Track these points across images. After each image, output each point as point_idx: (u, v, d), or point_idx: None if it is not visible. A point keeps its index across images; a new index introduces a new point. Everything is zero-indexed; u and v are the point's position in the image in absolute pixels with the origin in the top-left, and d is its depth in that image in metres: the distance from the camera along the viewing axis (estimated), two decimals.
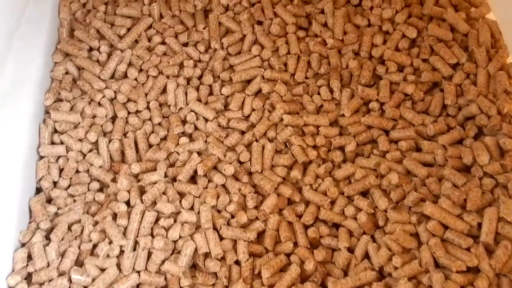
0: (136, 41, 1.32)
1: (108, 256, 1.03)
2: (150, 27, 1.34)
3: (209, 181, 1.13)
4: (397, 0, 1.29)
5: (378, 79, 1.23)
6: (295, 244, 1.06)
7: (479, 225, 0.99)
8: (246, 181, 1.12)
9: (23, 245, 1.06)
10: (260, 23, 1.33)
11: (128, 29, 1.32)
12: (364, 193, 1.10)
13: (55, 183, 1.15)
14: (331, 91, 1.22)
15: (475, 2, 1.28)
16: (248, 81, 1.27)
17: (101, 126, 1.21)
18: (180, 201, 1.10)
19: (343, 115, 1.19)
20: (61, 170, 1.16)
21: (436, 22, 1.26)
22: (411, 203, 1.03)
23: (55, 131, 1.20)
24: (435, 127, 1.12)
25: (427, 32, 1.24)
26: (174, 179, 1.14)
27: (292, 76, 1.25)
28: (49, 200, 1.14)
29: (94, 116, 1.22)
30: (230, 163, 1.13)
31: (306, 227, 1.08)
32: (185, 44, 1.32)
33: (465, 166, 1.07)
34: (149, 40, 1.32)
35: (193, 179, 1.14)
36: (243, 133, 1.19)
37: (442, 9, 1.26)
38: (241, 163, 1.15)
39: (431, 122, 1.14)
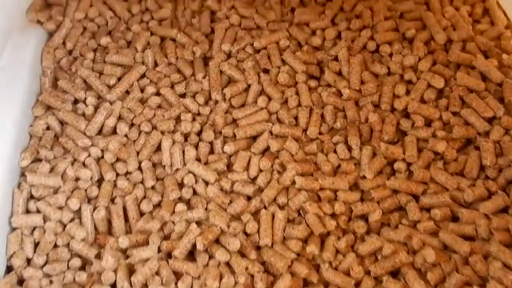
0: (127, 92, 1.21)
1: None
2: (143, 76, 1.23)
3: (211, 257, 0.99)
4: (419, 45, 1.19)
5: (402, 135, 1.12)
6: None
7: None
8: (254, 258, 0.99)
9: None
10: (266, 71, 1.23)
11: (119, 79, 1.22)
12: (395, 273, 0.96)
13: (28, 261, 1.01)
14: (349, 149, 1.11)
15: (507, 48, 1.19)
16: (254, 138, 1.15)
17: (85, 190, 1.09)
18: (176, 283, 0.96)
19: (364, 177, 1.07)
20: (36, 245, 1.02)
21: (464, 70, 1.17)
22: (453, 286, 0.89)
23: (31, 197, 1.07)
24: (473, 192, 1.00)
25: (456, 82, 1.14)
26: (169, 255, 1.00)
27: (304, 132, 1.14)
28: (21, 282, 0.99)
29: (77, 179, 1.09)
30: (235, 236, 1.00)
31: None
32: (183, 95, 1.21)
33: None
34: (142, 90, 1.21)
35: (191, 255, 1.01)
36: (249, 198, 1.07)
37: (471, 55, 1.16)
38: (247, 235, 1.02)
39: (468, 186, 1.02)
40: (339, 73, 1.20)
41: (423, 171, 1.04)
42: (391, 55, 1.21)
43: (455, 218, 1.00)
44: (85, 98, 1.18)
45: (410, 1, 1.27)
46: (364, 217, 1.03)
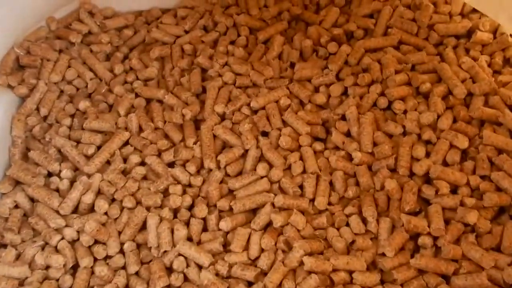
0: (108, 163, 1.13)
1: None
2: (126, 143, 1.17)
3: None
4: (436, 100, 1.12)
5: (425, 204, 1.03)
6: None
7: None
8: None
9: None
10: (265, 134, 1.16)
11: (98, 147, 1.15)
12: None
13: None
14: (364, 221, 1.02)
15: None
16: (254, 211, 1.07)
17: (57, 281, 0.99)
18: None
19: (383, 254, 0.97)
20: None
21: (490, 127, 1.10)
22: None
23: None
24: None
25: (482, 141, 1.06)
26: None
27: (311, 203, 1.05)
28: None
29: (47, 267, 1.00)
30: None
31: None
32: (171, 164, 1.13)
33: None
34: (125, 160, 1.14)
35: None
36: (250, 284, 0.98)
37: (496, 110, 1.09)
38: None
39: (508, 263, 0.92)
40: (348, 134, 1.14)
41: (453, 247, 0.95)
42: (405, 112, 1.14)
43: None
44: (60, 171, 1.11)
45: (421, 52, 1.22)
46: None
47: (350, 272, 0.96)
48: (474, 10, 1.27)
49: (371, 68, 1.19)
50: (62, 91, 1.24)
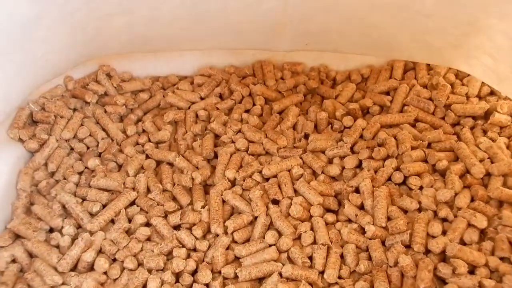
0: (113, 222, 1.11)
1: None
2: (132, 203, 1.15)
3: None
4: (454, 178, 1.11)
5: (442, 283, 0.99)
6: None
7: None
8: None
9: None
10: (276, 202, 1.14)
11: (104, 206, 1.13)
12: None
13: None
14: None
15: None
16: (260, 280, 1.03)
17: None
18: None
19: None
20: None
21: (509, 208, 1.07)
22: None
23: None
24: None
25: (501, 221, 1.04)
26: None
27: (321, 275, 1.02)
28: None
29: None
30: None
31: None
32: (177, 227, 1.11)
33: None
34: (130, 220, 1.12)
35: None
36: None
37: None
38: None
39: None
40: (361, 207, 1.12)
41: None
42: (421, 188, 1.12)
43: None
44: (62, 227, 1.08)
45: (439, 130, 1.22)
46: None
47: None
48: (491, 93, 1.28)
49: (387, 143, 1.19)
50: (72, 149, 1.24)
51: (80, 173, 1.20)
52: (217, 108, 1.31)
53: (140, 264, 1.04)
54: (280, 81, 1.37)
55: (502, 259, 0.99)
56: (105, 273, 1.02)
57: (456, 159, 1.17)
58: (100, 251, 1.05)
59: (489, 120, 1.23)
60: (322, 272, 1.02)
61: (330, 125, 1.28)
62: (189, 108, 1.32)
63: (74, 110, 1.29)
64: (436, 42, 1.24)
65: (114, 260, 1.04)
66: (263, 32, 1.31)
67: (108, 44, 1.31)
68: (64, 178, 1.18)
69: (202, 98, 1.34)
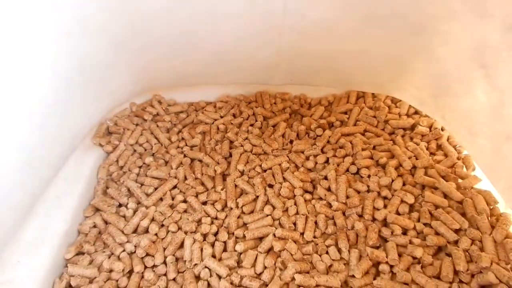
0: (161, 199, 1.04)
1: None
2: (174, 187, 1.07)
3: None
4: (391, 170, 1.04)
5: (384, 241, 0.92)
6: None
7: None
8: None
9: None
10: (271, 186, 1.06)
11: (155, 189, 1.05)
12: None
13: None
14: (340, 251, 0.90)
15: (461, 174, 1.02)
16: (260, 239, 0.95)
17: (116, 281, 0.87)
18: None
19: (353, 276, 0.85)
20: None
21: (429, 190, 0.99)
22: None
23: (70, 286, 0.85)
24: None
25: (424, 199, 0.96)
26: None
27: (302, 235, 0.94)
28: None
29: (111, 271, 0.88)
30: None
31: None
32: (204, 203, 1.03)
33: None
34: (173, 198, 1.04)
35: None
36: None
37: (433, 179, 1.00)
38: None
39: None
40: (329, 189, 1.03)
41: (405, 274, 0.82)
42: (369, 176, 1.04)
43: None
44: (127, 203, 1.01)
45: (380, 137, 1.14)
46: None
47: (329, 287, 0.85)
48: (416, 112, 1.20)
49: (345, 146, 1.11)
50: (135, 151, 1.16)
51: (140, 167, 1.12)
52: (232, 123, 1.24)
53: (179, 228, 0.97)
54: (273, 105, 1.29)
55: (425, 224, 0.92)
56: (155, 234, 0.95)
57: (392, 156, 1.09)
58: (152, 220, 0.98)
59: (414, 131, 1.15)
60: (302, 233, 0.94)
61: (307, 134, 1.19)
62: (213, 123, 1.25)
63: (136, 125, 1.21)
64: (378, 79, 1.16)
65: (162, 225, 0.97)
66: (262, 72, 1.24)
67: (159, 80, 1.24)
68: (129, 170, 1.11)
69: (221, 117, 1.27)
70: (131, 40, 0.97)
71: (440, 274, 0.82)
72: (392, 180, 1.01)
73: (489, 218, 0.88)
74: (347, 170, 1.08)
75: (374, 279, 0.84)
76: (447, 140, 1.12)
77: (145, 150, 1.18)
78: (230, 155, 1.15)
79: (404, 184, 1.01)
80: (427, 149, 1.11)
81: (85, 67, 0.93)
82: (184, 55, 1.10)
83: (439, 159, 1.07)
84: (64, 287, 0.83)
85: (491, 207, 0.91)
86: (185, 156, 1.15)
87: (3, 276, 0.77)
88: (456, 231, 0.88)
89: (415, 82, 1.04)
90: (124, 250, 0.91)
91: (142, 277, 0.88)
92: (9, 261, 0.80)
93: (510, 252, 0.78)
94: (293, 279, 0.84)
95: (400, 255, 0.87)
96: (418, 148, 1.08)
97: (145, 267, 0.90)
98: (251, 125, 1.24)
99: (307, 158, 1.12)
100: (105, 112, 1.19)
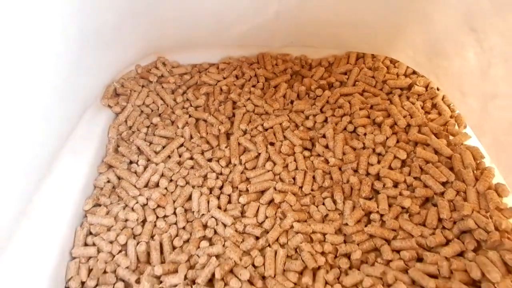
0: (169, 157, 1.12)
1: None
2: (181, 145, 1.15)
3: (226, 285, 0.85)
4: (386, 128, 1.11)
5: (376, 193, 1.01)
6: None
7: None
8: (260, 286, 0.85)
9: None
10: (272, 144, 1.14)
11: (163, 147, 1.13)
12: None
13: (82, 283, 0.88)
14: (335, 202, 0.99)
15: (452, 131, 1.10)
16: (262, 192, 1.04)
17: (132, 229, 0.97)
18: None
19: (346, 224, 0.95)
20: (90, 271, 0.90)
21: (421, 146, 1.07)
22: None
23: (90, 233, 0.95)
24: (435, 239, 0.87)
25: (415, 155, 1.04)
26: (193, 282, 0.87)
27: (300, 188, 1.03)
28: None
29: (126, 220, 0.98)
30: (246, 268, 0.87)
31: None
32: (210, 160, 1.11)
33: (472, 280, 0.80)
34: (180, 156, 1.12)
35: (210, 282, 0.87)
36: (257, 238, 0.94)
37: (426, 136, 1.08)
38: (255, 267, 0.89)
39: (430, 234, 0.89)
40: (327, 147, 1.11)
41: (393, 221, 0.92)
42: (365, 134, 1.11)
43: (420, 259, 0.87)
44: (138, 161, 1.10)
45: (377, 97, 1.21)
46: (347, 256, 0.90)
47: (324, 234, 0.93)
48: (413, 72, 1.25)
49: (344, 106, 1.18)
50: (142, 111, 1.22)
51: (148, 127, 1.18)
52: (234, 84, 1.29)
53: (187, 183, 1.05)
54: (275, 66, 1.34)
55: (415, 178, 1.00)
56: (165, 188, 1.03)
57: (388, 115, 1.15)
58: (162, 175, 1.06)
59: (411, 90, 1.21)
60: (301, 187, 1.02)
61: (307, 95, 1.25)
62: (216, 84, 1.30)
63: (142, 86, 1.27)
64: (376, 41, 1.21)
65: (171, 180, 1.05)
66: (264, 34, 1.28)
67: (163, 43, 1.28)
68: (138, 130, 1.18)
69: (224, 78, 1.31)
70: (137, 3, 1.02)
71: (426, 222, 0.91)
72: (387, 138, 1.08)
73: (475, 171, 0.96)
74: (345, 128, 1.14)
75: (365, 226, 0.94)
76: (442, 99, 1.18)
77: (152, 110, 1.23)
78: (233, 115, 1.21)
79: (398, 141, 1.09)
80: (422, 108, 1.17)
81: (95, 30, 0.99)
82: (187, 17, 1.14)
83: (433, 117, 1.14)
84: (85, 235, 0.94)
85: (478, 161, 0.99)
86: (190, 116, 1.21)
87: (29, 225, 0.87)
88: (443, 184, 0.97)
89: (411, 44, 1.09)
90: (137, 202, 1.00)
91: (155, 225, 0.98)
92: (35, 211, 0.90)
93: (490, 202, 0.87)
94: (291, 227, 0.94)
95: (390, 205, 0.96)
96: (414, 107, 1.15)
97: (157, 217, 0.99)
98: (253, 86, 1.29)
99: (307, 118, 1.18)
100: (113, 75, 1.24)
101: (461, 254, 0.85)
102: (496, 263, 0.78)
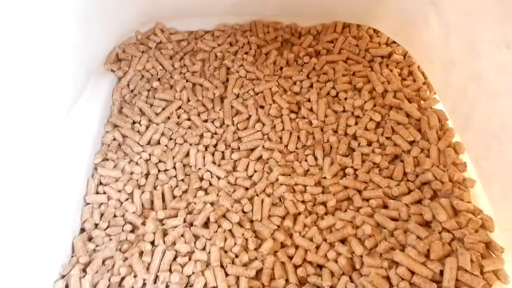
0: (168, 118, 1.23)
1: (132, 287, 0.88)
2: (179, 107, 1.25)
3: (219, 226, 1.00)
4: (365, 93, 1.21)
5: (352, 151, 1.13)
6: (287, 281, 0.92)
7: (441, 272, 0.85)
8: (248, 228, 1.00)
9: (63, 276, 0.91)
10: (262, 107, 1.25)
11: (163, 109, 1.24)
12: (343, 241, 0.96)
13: (96, 225, 1.02)
14: (316, 159, 1.12)
15: (424, 96, 1.20)
16: (252, 150, 1.16)
17: (137, 180, 1.10)
18: (195, 242, 0.96)
19: (325, 177, 1.07)
20: (101, 215, 1.04)
21: (395, 110, 1.18)
22: (382, 250, 0.90)
23: (100, 183, 1.08)
24: (399, 189, 1.01)
25: (389, 117, 1.16)
26: (191, 224, 1.01)
27: (286, 147, 1.15)
28: (90, 238, 1.00)
29: (131, 173, 1.11)
30: (236, 213, 1.01)
31: (296, 267, 0.94)
32: (205, 121, 1.22)
33: (426, 221, 0.94)
34: (178, 117, 1.23)
35: (206, 224, 1.01)
36: (247, 189, 1.07)
37: (400, 101, 1.18)
38: (244, 212, 1.03)
39: (395, 185, 1.02)
40: (311, 110, 1.21)
41: (365, 175, 1.05)
42: (346, 99, 1.21)
43: (385, 207, 1.00)
44: (140, 121, 1.20)
45: (360, 64, 1.30)
46: (324, 204, 1.03)
47: (305, 186, 1.05)
48: (394, 42, 1.32)
49: (328, 73, 1.27)
50: (143, 76, 1.30)
51: (148, 90, 1.27)
52: (228, 51, 1.35)
53: (185, 141, 1.15)
54: (266, 34, 1.39)
55: (387, 138, 1.11)
56: (165, 145, 1.14)
57: (368, 81, 1.24)
58: (162, 134, 1.16)
59: (390, 58, 1.29)
60: (286, 145, 1.13)
61: (296, 62, 1.34)
62: (211, 51, 1.36)
63: (142, 52, 1.33)
64: (361, 11, 1.28)
65: (170, 139, 1.16)
66: (257, 3, 1.34)
67: (161, 10, 1.34)
68: (139, 93, 1.26)
69: (219, 45, 1.38)
70: None
71: (393, 175, 1.04)
72: (365, 102, 1.19)
73: (438, 132, 1.08)
74: (328, 93, 1.24)
75: (341, 179, 1.06)
76: (418, 67, 1.27)
77: (152, 75, 1.31)
78: (227, 80, 1.30)
79: (374, 105, 1.19)
80: (399, 75, 1.27)
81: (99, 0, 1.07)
82: None
83: (408, 84, 1.24)
84: (96, 184, 1.07)
85: (442, 123, 1.11)
86: (187, 81, 1.30)
87: (46, 176, 0.99)
88: (411, 143, 1.09)
89: (388, 14, 1.17)
90: (141, 158, 1.12)
91: (157, 178, 1.10)
92: (52, 163, 1.02)
93: (448, 158, 1.00)
94: (277, 179, 1.06)
95: (363, 161, 1.08)
96: (391, 74, 1.24)
97: (159, 170, 1.11)
98: (246, 53, 1.36)
99: (294, 83, 1.28)
100: (115, 42, 1.31)
101: (419, 201, 0.99)
102: (445, 207, 0.92)
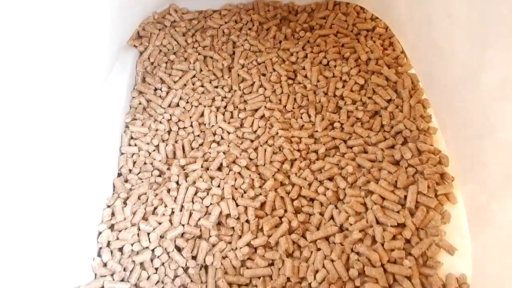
0: (185, 85, 1.38)
1: (163, 214, 1.09)
2: (194, 76, 1.40)
3: (230, 170, 1.18)
4: (351, 61, 1.37)
5: (339, 109, 1.30)
6: (285, 211, 1.11)
7: (405, 197, 1.05)
8: (254, 170, 1.18)
9: (108, 206, 1.12)
10: (264, 75, 1.40)
11: (180, 77, 1.39)
12: (330, 179, 1.15)
13: (130, 170, 1.21)
14: (309, 116, 1.28)
15: (401, 63, 1.36)
16: (256, 110, 1.32)
17: (161, 136, 1.27)
18: (211, 181, 1.15)
19: (317, 131, 1.25)
20: (134, 162, 1.22)
21: (376, 74, 1.34)
22: (361, 183, 1.09)
23: (131, 137, 1.27)
24: (376, 138, 1.18)
25: (371, 81, 1.32)
26: (207, 169, 1.19)
27: (284, 107, 1.31)
28: (126, 180, 1.20)
29: (156, 130, 1.28)
30: (244, 159, 1.19)
31: (292, 200, 1.13)
32: (216, 87, 1.38)
33: (396, 161, 1.13)
34: (193, 84, 1.38)
35: (219, 169, 1.20)
36: (252, 141, 1.25)
37: (380, 67, 1.34)
38: (251, 159, 1.21)
39: (373, 135, 1.20)
40: (305, 76, 1.36)
41: (350, 127, 1.21)
42: (335, 66, 1.37)
43: (365, 152, 1.18)
44: (161, 88, 1.35)
45: (348, 37, 1.44)
46: (316, 151, 1.20)
47: (300, 138, 1.21)
48: (377, 17, 1.45)
49: (320, 44, 1.41)
50: (160, 50, 1.44)
51: (166, 62, 1.41)
52: (234, 28, 1.49)
53: (199, 103, 1.31)
54: (267, 12, 1.53)
55: (368, 98, 1.26)
56: (183, 107, 1.30)
57: (354, 52, 1.39)
58: (180, 98, 1.32)
59: (374, 31, 1.43)
60: (285, 106, 1.29)
61: (293, 36, 1.47)
62: (219, 28, 1.50)
63: (159, 30, 1.47)
64: None
65: (187, 102, 1.32)
66: None
67: None
68: (158, 65, 1.40)
69: (226, 22, 1.51)
70: None
71: (372, 127, 1.22)
72: (351, 68, 1.34)
73: (411, 91, 1.25)
74: (320, 62, 1.39)
75: (330, 131, 1.24)
76: (397, 40, 1.45)
77: (168, 50, 1.45)
78: (234, 53, 1.43)
79: (359, 71, 1.35)
80: (382, 45, 1.42)
81: None
82: None
83: (388, 53, 1.38)
84: (129, 138, 1.26)
85: (415, 84, 1.28)
86: (199, 54, 1.43)
87: (90, 132, 1.19)
88: (388, 101, 1.26)
89: None
90: (163, 118, 1.29)
91: (177, 134, 1.28)
92: (94, 120, 1.21)
93: (417, 112, 1.19)
94: (277, 133, 1.23)
95: (348, 117, 1.25)
96: (374, 45, 1.39)
97: (179, 128, 1.29)
98: (249, 29, 1.50)
99: (291, 54, 1.42)
100: (136, 22, 1.46)
101: (392, 147, 1.17)
102: (412, 149, 1.10)
